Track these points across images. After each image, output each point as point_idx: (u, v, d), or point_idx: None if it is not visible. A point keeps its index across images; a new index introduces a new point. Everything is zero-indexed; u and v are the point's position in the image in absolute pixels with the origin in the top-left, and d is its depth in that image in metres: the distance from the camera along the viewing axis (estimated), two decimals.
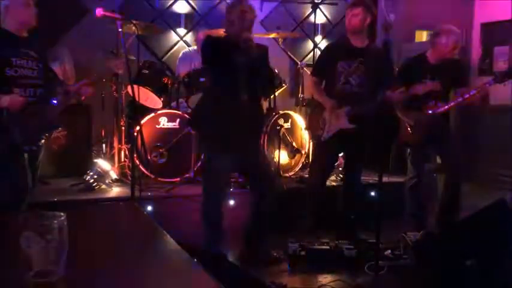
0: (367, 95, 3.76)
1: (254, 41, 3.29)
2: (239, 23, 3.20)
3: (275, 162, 4.82)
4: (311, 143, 4.91)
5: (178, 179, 4.50)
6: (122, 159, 4.68)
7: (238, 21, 3.20)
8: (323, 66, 3.95)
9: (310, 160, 4.36)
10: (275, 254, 3.67)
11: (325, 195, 4.09)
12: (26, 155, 3.00)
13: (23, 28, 3.04)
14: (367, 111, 3.67)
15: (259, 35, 5.38)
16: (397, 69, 4.29)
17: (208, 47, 3.28)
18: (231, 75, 3.24)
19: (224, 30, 3.40)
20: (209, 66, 3.44)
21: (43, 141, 3.11)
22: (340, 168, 4.83)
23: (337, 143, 3.88)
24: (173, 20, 5.89)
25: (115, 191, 4.36)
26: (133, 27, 4.34)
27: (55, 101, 3.13)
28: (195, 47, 5.22)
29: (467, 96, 3.85)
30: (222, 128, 3.25)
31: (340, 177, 4.84)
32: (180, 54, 5.38)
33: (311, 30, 6.18)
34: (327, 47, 4.18)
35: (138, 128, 3.80)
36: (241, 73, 3.23)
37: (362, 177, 4.17)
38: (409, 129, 4.01)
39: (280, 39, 5.40)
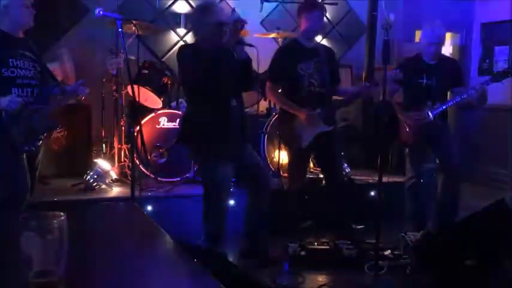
0: (329, 93, 3.89)
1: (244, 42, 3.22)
2: (223, 26, 3.10)
3: (275, 162, 4.82)
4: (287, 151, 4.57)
5: (178, 179, 4.50)
6: (122, 159, 4.68)
7: (222, 24, 3.10)
8: (282, 70, 3.88)
9: (288, 167, 4.22)
10: (274, 255, 3.65)
11: (307, 193, 4.11)
12: (24, 156, 3.00)
13: (20, 29, 3.04)
14: (337, 109, 3.92)
15: (259, 35, 5.39)
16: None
17: (191, 58, 3.14)
18: (220, 83, 3.12)
19: (200, 35, 3.30)
20: (194, 77, 3.15)
21: (41, 141, 3.10)
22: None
23: (312, 145, 3.87)
24: (173, 20, 5.88)
25: (115, 191, 4.37)
26: (133, 27, 4.34)
27: (53, 101, 3.12)
28: None
29: (465, 96, 3.85)
30: (219, 136, 3.20)
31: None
32: None
33: None
34: (281, 51, 4.05)
35: (138, 128, 3.80)
36: (229, 78, 3.14)
37: (362, 178, 4.18)
38: (407, 129, 4.01)
39: (280, 39, 5.39)
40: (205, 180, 3.38)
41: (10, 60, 2.92)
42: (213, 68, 3.06)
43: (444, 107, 3.95)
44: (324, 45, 4.11)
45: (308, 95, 3.82)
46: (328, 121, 3.84)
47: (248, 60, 3.25)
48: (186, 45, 3.50)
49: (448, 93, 4.19)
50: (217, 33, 3.12)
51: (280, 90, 3.98)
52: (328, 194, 4.09)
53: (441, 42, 4.06)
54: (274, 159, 4.85)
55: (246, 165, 3.37)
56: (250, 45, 3.31)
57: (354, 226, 4.02)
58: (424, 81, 3.96)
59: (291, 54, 3.89)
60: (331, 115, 3.92)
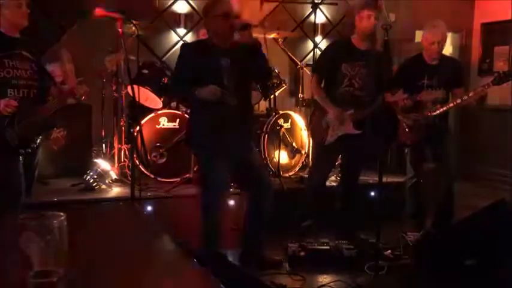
0: (368, 98, 3.81)
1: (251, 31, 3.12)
2: (229, 18, 3.06)
3: (275, 162, 4.82)
4: (311, 145, 4.91)
5: (178, 179, 4.50)
6: (122, 159, 4.68)
7: (229, 14, 3.06)
8: (326, 65, 3.92)
9: (311, 162, 4.32)
10: (275, 258, 3.65)
11: (325, 196, 4.10)
12: (21, 158, 2.99)
13: (15, 29, 3.03)
14: (369, 114, 3.74)
15: (259, 35, 5.38)
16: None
17: (189, 56, 3.15)
18: (218, 82, 3.06)
19: (210, 29, 3.24)
20: (192, 77, 3.11)
21: (38, 141, 3.09)
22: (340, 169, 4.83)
23: (338, 146, 3.88)
24: (173, 20, 5.88)
25: (115, 191, 4.36)
26: (133, 27, 4.34)
27: (51, 101, 3.11)
28: None
29: (465, 98, 3.84)
30: (214, 135, 3.17)
31: (340, 177, 4.84)
32: None
33: (311, 30, 6.17)
34: (330, 47, 4.12)
35: (138, 128, 3.80)
36: (228, 77, 3.10)
37: (362, 177, 4.19)
38: (407, 129, 4.01)
39: (280, 39, 5.39)
40: (201, 178, 3.38)
41: (6, 60, 2.91)
42: (203, 67, 3.05)
43: (444, 109, 3.95)
44: (376, 51, 3.94)
45: (344, 94, 3.82)
46: (358, 125, 3.82)
47: (258, 47, 3.20)
48: (187, 43, 3.50)
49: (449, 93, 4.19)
50: (225, 25, 3.08)
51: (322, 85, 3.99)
52: (339, 196, 4.12)
53: (443, 43, 4.04)
54: (274, 159, 4.85)
55: (247, 165, 3.36)
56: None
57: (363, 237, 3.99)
58: (425, 81, 3.95)
59: (338, 51, 3.91)
60: (362, 119, 3.84)
